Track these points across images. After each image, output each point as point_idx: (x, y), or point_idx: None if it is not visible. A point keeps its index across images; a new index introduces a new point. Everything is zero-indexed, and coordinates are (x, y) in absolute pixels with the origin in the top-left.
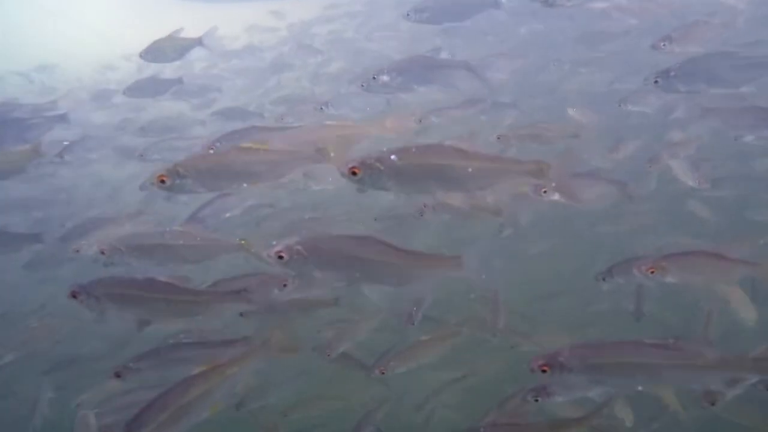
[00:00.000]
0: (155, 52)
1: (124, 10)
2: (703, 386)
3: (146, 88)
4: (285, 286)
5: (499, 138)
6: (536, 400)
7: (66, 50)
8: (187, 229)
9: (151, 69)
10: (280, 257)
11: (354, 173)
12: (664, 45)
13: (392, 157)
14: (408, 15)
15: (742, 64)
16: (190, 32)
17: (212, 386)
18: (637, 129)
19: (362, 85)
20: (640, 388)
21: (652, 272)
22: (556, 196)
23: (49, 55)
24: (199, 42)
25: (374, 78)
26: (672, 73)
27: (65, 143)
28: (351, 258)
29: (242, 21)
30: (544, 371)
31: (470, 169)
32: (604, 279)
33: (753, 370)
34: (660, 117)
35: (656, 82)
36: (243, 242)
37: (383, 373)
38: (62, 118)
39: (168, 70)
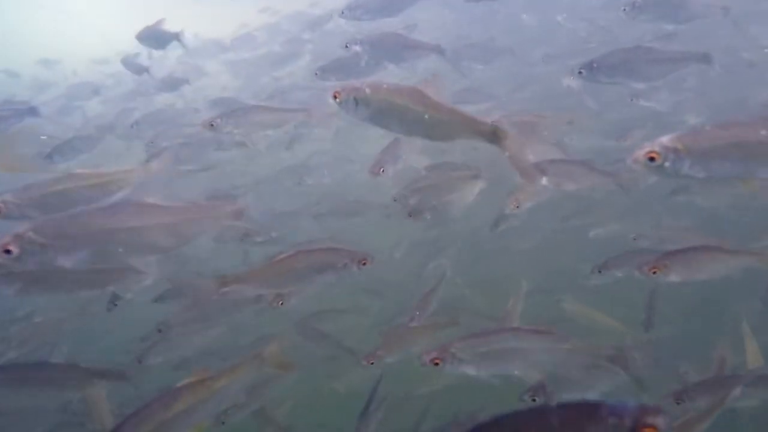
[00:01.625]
0: (147, 36)
1: (122, 10)
2: (572, 368)
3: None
4: (364, 264)
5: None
6: (533, 400)
7: (68, 47)
8: None
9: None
10: (8, 252)
11: (335, 97)
12: (625, 9)
13: (366, 89)
14: (342, 13)
15: (659, 59)
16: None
17: (198, 401)
18: (640, 119)
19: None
20: (516, 372)
21: (654, 272)
22: (542, 181)
23: (53, 52)
24: (175, 36)
25: (347, 47)
26: (595, 65)
27: (43, 137)
28: (107, 231)
29: (239, 18)
30: (436, 364)
31: (427, 116)
32: (600, 271)
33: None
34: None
35: (580, 73)
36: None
37: (372, 363)
38: (32, 111)
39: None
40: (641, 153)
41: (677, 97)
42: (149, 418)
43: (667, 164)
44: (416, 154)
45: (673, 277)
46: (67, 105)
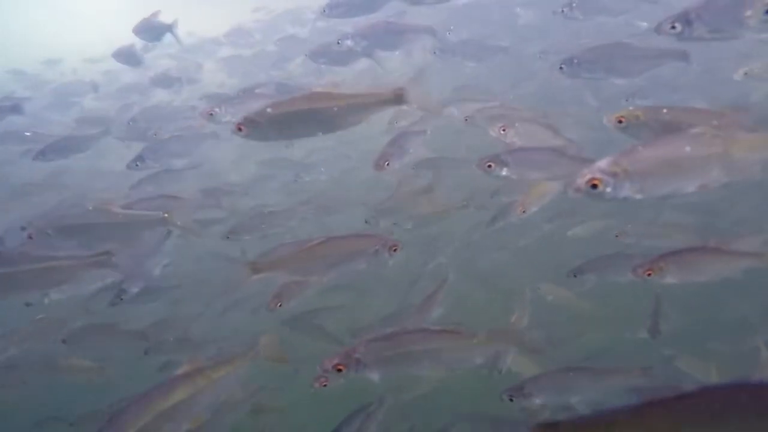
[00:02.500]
0: (143, 28)
1: (123, 9)
2: (480, 362)
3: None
4: (395, 250)
5: (466, 120)
6: (511, 400)
7: (70, 47)
8: (110, 206)
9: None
10: None
11: (239, 129)
12: (563, 11)
13: (268, 109)
14: (324, 11)
15: (639, 55)
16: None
17: (197, 391)
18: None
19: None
20: (424, 373)
21: (649, 274)
22: (504, 172)
23: (56, 51)
24: (169, 28)
25: (338, 43)
26: (575, 61)
27: (27, 134)
28: None
29: (236, 18)
30: (339, 371)
31: (335, 108)
32: (575, 276)
33: (515, 342)
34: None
35: (561, 68)
36: (166, 215)
37: (325, 386)
38: (15, 109)
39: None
40: (582, 180)
41: (677, 95)
42: (149, 408)
43: (608, 189)
44: (420, 147)
45: (670, 279)
46: (62, 102)
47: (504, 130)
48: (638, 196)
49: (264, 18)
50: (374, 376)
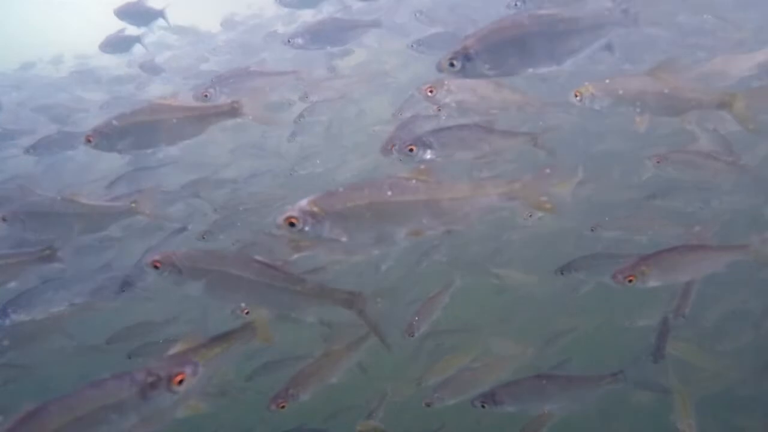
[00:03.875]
0: (128, 12)
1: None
2: (299, 312)
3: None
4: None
5: (439, 109)
6: (483, 406)
7: (71, 45)
8: (78, 196)
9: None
10: None
11: (88, 140)
12: (516, 4)
13: (113, 121)
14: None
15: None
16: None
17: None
18: None
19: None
20: (243, 305)
21: (631, 280)
22: (428, 155)
23: (58, 49)
24: (160, 14)
25: (289, 41)
26: (471, 50)
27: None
28: None
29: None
30: (156, 267)
31: (175, 120)
32: (562, 273)
33: (346, 303)
34: None
35: (451, 65)
36: (133, 204)
37: (283, 407)
38: None
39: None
40: (282, 218)
41: None
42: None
43: (307, 228)
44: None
45: (653, 282)
46: (50, 97)
47: (431, 92)
48: (343, 238)
49: (256, 14)
50: (190, 288)
